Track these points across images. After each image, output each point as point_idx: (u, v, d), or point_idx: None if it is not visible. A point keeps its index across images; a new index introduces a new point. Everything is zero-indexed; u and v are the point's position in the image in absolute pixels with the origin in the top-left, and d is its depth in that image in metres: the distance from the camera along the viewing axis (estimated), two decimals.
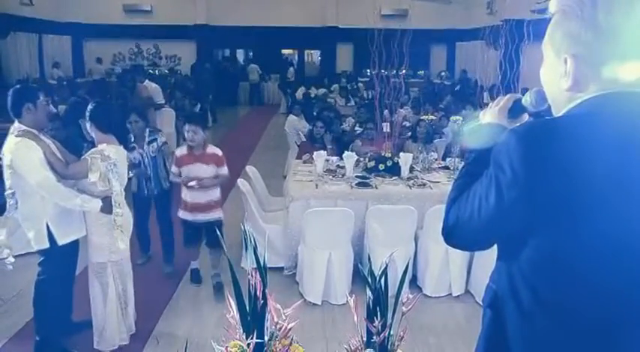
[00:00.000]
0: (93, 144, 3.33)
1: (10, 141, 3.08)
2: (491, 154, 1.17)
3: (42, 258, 3.29)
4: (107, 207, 3.19)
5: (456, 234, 1.28)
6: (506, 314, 1.22)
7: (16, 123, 3.13)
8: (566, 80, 1.16)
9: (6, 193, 3.11)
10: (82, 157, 3.23)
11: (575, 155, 1.07)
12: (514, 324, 1.21)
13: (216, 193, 4.23)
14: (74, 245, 3.36)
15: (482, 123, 1.42)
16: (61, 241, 3.20)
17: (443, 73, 17.62)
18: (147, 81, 8.13)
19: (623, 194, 1.06)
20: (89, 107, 3.31)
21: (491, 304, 1.28)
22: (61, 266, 3.30)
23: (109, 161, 3.14)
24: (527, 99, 1.37)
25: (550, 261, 1.13)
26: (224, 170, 4.17)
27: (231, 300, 2.01)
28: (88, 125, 3.31)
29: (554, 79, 1.20)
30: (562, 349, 1.16)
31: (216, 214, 4.23)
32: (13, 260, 3.25)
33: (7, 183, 3.09)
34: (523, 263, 1.17)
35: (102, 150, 3.17)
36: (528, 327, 1.18)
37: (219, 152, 4.17)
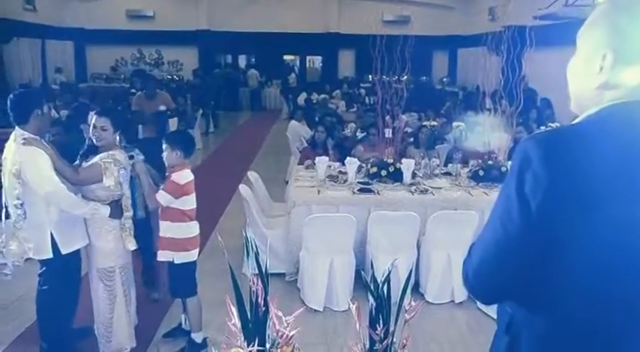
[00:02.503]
0: (91, 148, 3.31)
1: (15, 149, 2.99)
2: (511, 168, 1.13)
3: (43, 268, 3.25)
4: (116, 212, 3.22)
5: (484, 274, 1.20)
6: (521, 339, 1.18)
7: (19, 130, 3.02)
8: (600, 77, 1.10)
9: (14, 203, 3.03)
10: (93, 162, 3.21)
11: (592, 161, 1.04)
12: (532, 350, 1.17)
13: (167, 228, 3.35)
14: (77, 254, 3.33)
15: None
16: (65, 250, 3.16)
17: (445, 79, 17.65)
18: None
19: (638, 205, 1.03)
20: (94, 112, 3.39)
21: (508, 330, 1.23)
22: (63, 275, 3.24)
23: (121, 165, 3.19)
24: None
25: (572, 280, 1.09)
26: (160, 196, 3.27)
27: (232, 307, 2.00)
28: (102, 120, 3.22)
29: (586, 74, 1.14)
30: None
31: (162, 254, 3.39)
32: (10, 272, 3.17)
33: (15, 192, 3.00)
34: (541, 285, 1.12)
35: (113, 154, 3.21)
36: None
37: (176, 178, 3.29)
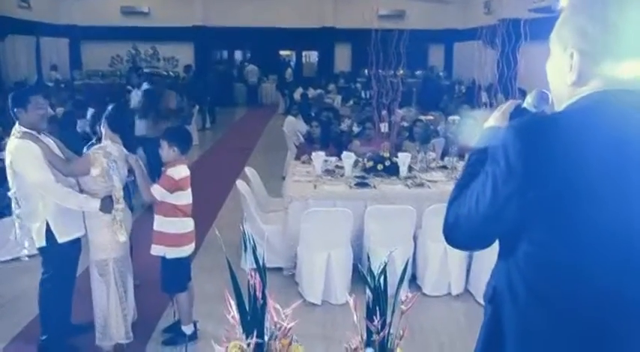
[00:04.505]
0: (99, 140, 3.46)
1: (11, 142, 3.21)
2: (489, 150, 1.19)
3: (43, 257, 3.36)
4: (106, 207, 3.24)
5: (455, 233, 1.30)
6: (503, 308, 1.24)
7: (17, 126, 3.24)
8: (571, 75, 1.18)
9: (10, 193, 3.27)
10: (84, 153, 3.33)
11: (570, 150, 1.08)
12: (510, 319, 1.22)
13: (159, 223, 3.42)
14: (75, 244, 3.41)
15: (485, 127, 1.44)
16: (61, 239, 3.26)
17: (441, 73, 17.65)
18: (145, 83, 8.13)
19: (616, 190, 1.07)
20: (109, 108, 3.47)
21: (491, 299, 1.29)
22: (61, 264, 3.35)
23: (110, 157, 3.23)
24: (528, 101, 1.40)
25: (543, 256, 1.14)
26: (154, 190, 3.30)
27: (231, 300, 2.02)
28: (101, 123, 3.41)
29: (559, 73, 1.22)
30: (555, 344, 1.17)
31: (155, 248, 3.44)
32: (26, 252, 3.51)
33: (10, 182, 3.24)
34: (519, 258, 1.18)
35: (105, 146, 3.27)
36: (523, 322, 1.20)
37: (172, 173, 3.35)
